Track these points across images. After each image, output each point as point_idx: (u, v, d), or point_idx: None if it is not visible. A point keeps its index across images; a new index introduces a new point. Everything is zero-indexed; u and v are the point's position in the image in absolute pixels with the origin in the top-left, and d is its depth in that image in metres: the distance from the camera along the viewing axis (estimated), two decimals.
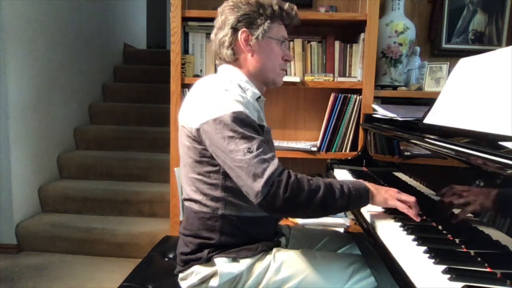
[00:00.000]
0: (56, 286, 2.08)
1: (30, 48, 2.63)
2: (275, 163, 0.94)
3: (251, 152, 0.93)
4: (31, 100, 2.65)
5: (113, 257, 2.42)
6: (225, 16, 1.12)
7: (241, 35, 1.10)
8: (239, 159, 0.93)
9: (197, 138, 1.03)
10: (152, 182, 2.85)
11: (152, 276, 1.26)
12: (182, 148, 1.11)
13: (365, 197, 1.00)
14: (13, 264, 2.33)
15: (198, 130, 1.01)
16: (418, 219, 0.97)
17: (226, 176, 1.03)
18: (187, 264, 1.08)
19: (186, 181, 1.12)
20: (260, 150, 0.94)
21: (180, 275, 1.10)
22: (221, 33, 1.13)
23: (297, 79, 1.92)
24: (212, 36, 1.17)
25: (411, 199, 1.00)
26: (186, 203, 1.13)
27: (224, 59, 1.15)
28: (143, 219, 2.64)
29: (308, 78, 1.97)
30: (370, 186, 1.02)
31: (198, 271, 1.06)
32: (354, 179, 1.08)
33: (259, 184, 0.91)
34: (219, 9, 1.15)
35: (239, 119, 0.96)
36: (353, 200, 0.98)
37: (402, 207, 0.99)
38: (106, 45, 3.91)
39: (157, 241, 1.57)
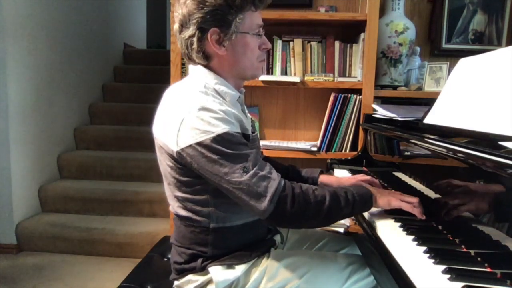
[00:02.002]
0: (56, 286, 2.08)
1: (30, 48, 2.64)
2: (275, 177, 0.91)
3: (247, 171, 0.89)
4: (31, 100, 2.65)
5: (113, 257, 2.43)
6: (188, 10, 0.96)
7: (211, 36, 0.97)
8: (237, 181, 0.89)
9: (179, 160, 0.95)
10: (152, 182, 2.85)
11: (151, 276, 1.26)
12: (163, 167, 1.03)
13: (369, 202, 1.00)
14: (13, 264, 2.33)
15: (179, 153, 0.93)
16: (423, 217, 0.98)
17: (214, 192, 0.98)
18: (182, 273, 1.06)
19: (172, 198, 1.06)
20: (257, 167, 0.90)
21: (176, 283, 1.08)
22: (186, 31, 0.99)
23: (297, 79, 1.92)
24: (175, 30, 1.03)
25: (414, 199, 1.01)
26: (175, 217, 1.09)
27: (195, 61, 1.04)
28: (143, 219, 2.64)
29: (308, 78, 1.97)
30: (373, 189, 1.02)
31: (193, 280, 1.04)
32: (356, 184, 1.06)
33: (264, 203, 0.89)
34: None
35: (225, 140, 0.90)
36: (357, 206, 0.97)
37: (407, 207, 0.99)
38: (106, 45, 3.92)
39: (157, 241, 1.57)
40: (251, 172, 0.89)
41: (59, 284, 2.10)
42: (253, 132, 1.06)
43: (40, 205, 2.76)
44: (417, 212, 0.99)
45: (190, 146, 0.91)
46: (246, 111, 1.20)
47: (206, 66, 1.03)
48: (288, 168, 1.34)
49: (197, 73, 1.04)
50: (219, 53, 1.00)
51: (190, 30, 0.98)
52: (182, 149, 0.92)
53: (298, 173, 1.33)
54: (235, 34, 0.99)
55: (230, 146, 0.90)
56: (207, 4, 0.95)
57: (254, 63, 1.05)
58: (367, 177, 1.25)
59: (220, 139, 0.90)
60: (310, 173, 1.32)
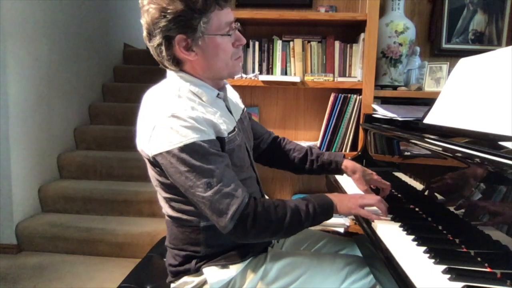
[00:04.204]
0: (56, 286, 2.08)
1: (30, 48, 2.64)
2: (238, 195, 0.91)
3: (211, 187, 0.89)
4: (31, 100, 2.65)
5: (113, 257, 2.42)
6: (151, 18, 0.94)
7: (178, 44, 0.95)
8: (201, 196, 0.90)
9: (156, 165, 0.97)
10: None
11: (150, 276, 1.25)
12: (149, 170, 1.04)
13: (330, 211, 1.01)
14: (13, 264, 2.33)
15: (154, 158, 0.94)
16: (379, 219, 1.02)
17: None
18: (177, 275, 1.06)
19: (161, 200, 1.07)
20: (221, 183, 0.90)
21: (172, 285, 1.08)
22: (154, 40, 0.96)
23: (297, 79, 1.92)
24: (144, 37, 1.00)
25: (374, 200, 1.03)
26: (167, 218, 1.09)
27: (168, 68, 1.02)
28: (143, 219, 2.64)
29: (308, 78, 1.97)
30: (334, 197, 1.03)
31: (188, 282, 1.04)
32: (320, 194, 1.07)
33: (224, 219, 0.90)
34: (141, 2, 0.97)
35: (193, 151, 0.89)
36: (318, 218, 0.99)
37: (364, 214, 1.02)
38: (106, 45, 3.92)
39: (156, 241, 1.57)
40: (215, 188, 0.90)
41: (59, 284, 2.10)
42: (232, 131, 1.02)
43: (40, 205, 2.76)
44: (374, 218, 1.01)
45: (160, 154, 0.92)
46: (237, 101, 1.19)
47: (180, 71, 1.02)
48: (307, 150, 1.32)
49: (172, 78, 1.03)
50: (190, 59, 0.98)
51: (157, 39, 0.95)
52: (154, 156, 0.94)
53: (319, 155, 1.31)
54: (202, 38, 0.95)
55: (197, 158, 0.90)
56: (168, 11, 0.91)
57: (228, 62, 1.02)
58: (382, 183, 1.23)
59: (187, 149, 0.89)
60: (334, 157, 1.29)
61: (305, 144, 2.00)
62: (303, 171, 1.33)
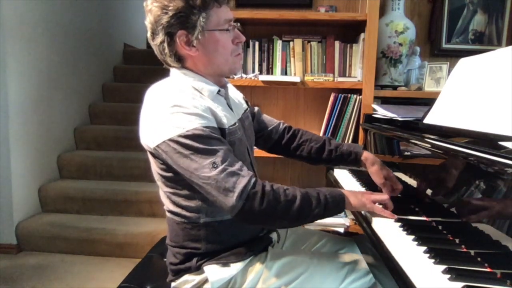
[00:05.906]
0: (56, 286, 2.08)
1: (30, 48, 2.64)
2: (245, 174, 0.92)
3: (216, 167, 0.90)
4: (31, 100, 2.65)
5: (113, 257, 2.43)
6: (154, 17, 0.98)
7: (179, 39, 0.98)
8: (206, 176, 0.90)
9: (158, 156, 0.99)
10: (152, 182, 2.79)
11: (150, 276, 1.26)
12: (152, 164, 1.06)
13: (342, 204, 1.00)
14: (13, 264, 2.33)
15: (156, 149, 0.96)
16: (394, 217, 1.00)
17: None
18: (177, 274, 1.07)
19: (162, 195, 1.09)
20: (226, 163, 0.91)
21: (173, 284, 1.09)
22: (157, 38, 1.00)
23: (297, 79, 1.92)
24: (148, 37, 1.03)
25: (384, 197, 1.04)
26: (168, 214, 1.10)
27: (171, 65, 1.06)
28: (143, 219, 2.64)
29: (308, 78, 1.97)
30: (346, 191, 1.03)
31: (189, 280, 1.05)
32: (330, 187, 1.06)
33: (232, 199, 0.89)
34: (145, 3, 1.00)
35: (196, 136, 0.91)
36: (329, 208, 0.98)
37: (379, 210, 1.02)
38: (106, 45, 3.92)
39: (157, 241, 1.57)
40: (220, 167, 0.90)
41: (59, 284, 2.10)
42: (233, 125, 1.04)
43: (40, 205, 2.76)
44: (388, 214, 1.01)
45: (164, 142, 0.93)
46: (240, 101, 1.20)
47: (182, 68, 1.05)
48: (325, 140, 1.32)
49: (175, 74, 1.06)
50: (191, 54, 1.01)
51: (160, 36, 0.99)
52: (158, 146, 0.95)
53: (338, 146, 1.30)
54: (202, 33, 0.98)
55: (202, 141, 0.91)
56: (170, 8, 0.95)
57: (228, 58, 1.04)
58: (396, 183, 1.22)
59: (191, 134, 0.91)
60: (353, 148, 1.28)
61: None
62: (320, 161, 1.32)
